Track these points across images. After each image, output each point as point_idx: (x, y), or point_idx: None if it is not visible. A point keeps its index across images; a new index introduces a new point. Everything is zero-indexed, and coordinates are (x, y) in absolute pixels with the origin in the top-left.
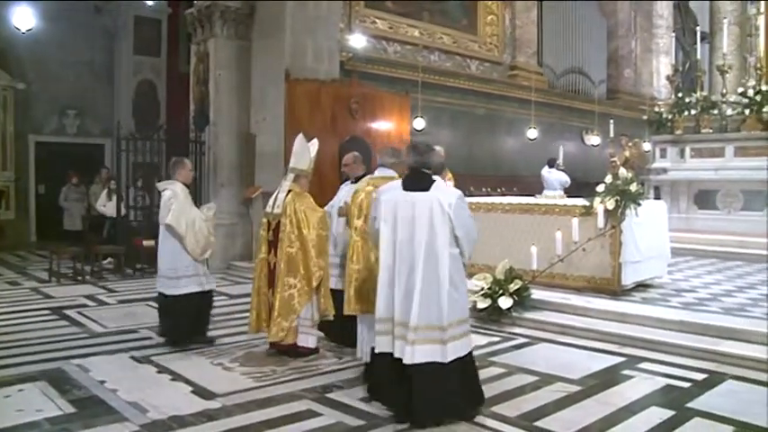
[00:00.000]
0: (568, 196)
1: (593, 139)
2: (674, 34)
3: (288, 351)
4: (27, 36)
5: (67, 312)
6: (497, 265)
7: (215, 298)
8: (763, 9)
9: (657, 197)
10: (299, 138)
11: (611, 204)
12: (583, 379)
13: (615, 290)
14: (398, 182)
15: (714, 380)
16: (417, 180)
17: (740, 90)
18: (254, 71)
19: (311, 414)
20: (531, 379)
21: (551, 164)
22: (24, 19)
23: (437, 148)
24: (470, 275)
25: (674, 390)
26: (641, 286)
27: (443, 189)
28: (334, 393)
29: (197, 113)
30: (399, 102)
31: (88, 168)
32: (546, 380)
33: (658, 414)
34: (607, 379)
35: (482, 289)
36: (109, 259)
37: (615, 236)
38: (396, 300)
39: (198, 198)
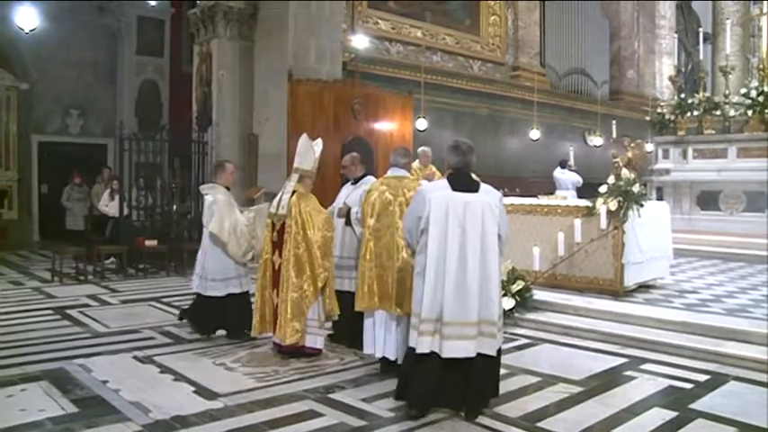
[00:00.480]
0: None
1: (596, 140)
2: (676, 35)
3: (293, 352)
4: (30, 36)
5: (70, 312)
6: None
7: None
8: (766, 10)
9: (660, 198)
10: (304, 138)
11: (613, 205)
12: (585, 380)
13: (617, 291)
14: (444, 182)
15: (717, 381)
16: (465, 181)
17: (743, 91)
18: (257, 72)
19: (314, 414)
20: (534, 380)
21: (563, 165)
22: (28, 19)
23: (425, 148)
24: None
25: (676, 391)
26: (643, 287)
27: (488, 190)
28: (337, 394)
29: (199, 114)
30: (402, 102)
31: (91, 168)
32: (548, 381)
33: (661, 415)
34: (609, 380)
35: None
36: (111, 259)
37: (618, 237)
38: (446, 300)
39: (200, 198)
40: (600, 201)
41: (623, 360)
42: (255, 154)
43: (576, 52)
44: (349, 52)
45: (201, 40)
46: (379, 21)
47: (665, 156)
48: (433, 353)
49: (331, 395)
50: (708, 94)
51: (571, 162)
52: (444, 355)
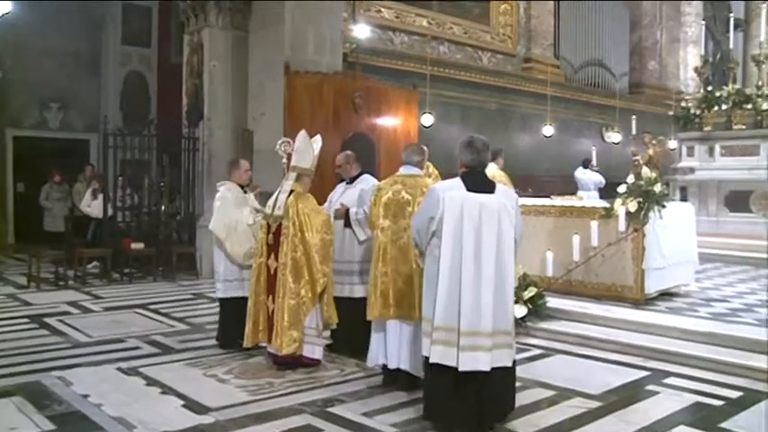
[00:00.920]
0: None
1: (614, 137)
2: (703, 22)
3: (290, 363)
4: (3, 21)
5: (48, 320)
6: None
7: (209, 304)
8: None
9: (684, 199)
10: (302, 134)
11: (633, 206)
12: (603, 394)
13: (638, 298)
14: (457, 181)
15: (749, 398)
16: (481, 181)
17: None
18: (252, 63)
19: (311, 430)
20: (548, 393)
21: (586, 164)
22: None
23: (423, 147)
24: None
25: (704, 408)
26: (666, 295)
27: (505, 191)
28: (336, 407)
29: (190, 108)
30: (406, 96)
31: (72, 165)
32: (563, 394)
33: None
34: (629, 395)
35: None
36: (94, 263)
37: (638, 240)
38: (463, 307)
39: (190, 198)
40: (618, 201)
41: (645, 373)
42: (250, 150)
43: (592, 42)
44: (350, 43)
45: (192, 29)
46: (382, 9)
47: (690, 153)
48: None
49: (330, 409)
50: (738, 86)
51: (593, 161)
52: (462, 367)
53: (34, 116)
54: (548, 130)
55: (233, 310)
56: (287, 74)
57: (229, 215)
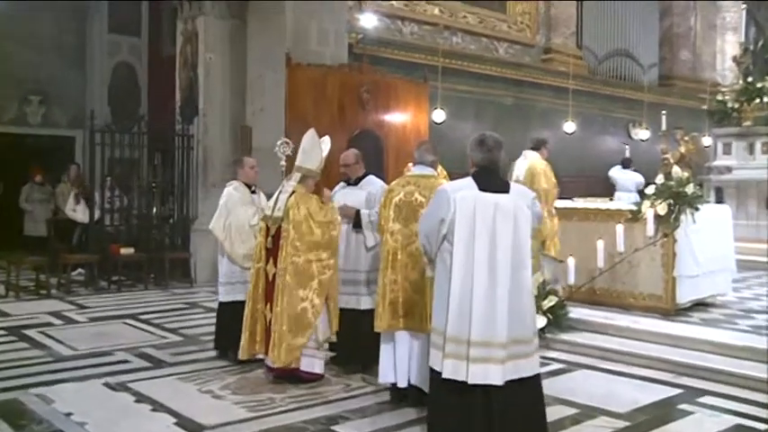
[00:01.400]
0: (610, 199)
1: (642, 133)
2: (744, 6)
3: (289, 377)
4: None
5: (28, 332)
6: None
7: (205, 314)
8: None
9: (720, 201)
10: (311, 133)
11: (662, 209)
12: (631, 413)
13: (668, 309)
14: (469, 180)
15: None
16: (494, 180)
17: None
18: (251, 55)
19: None
20: (570, 411)
21: (626, 164)
22: None
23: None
24: None
25: (746, 431)
26: (700, 305)
27: (520, 191)
28: (341, 425)
29: (184, 102)
30: (416, 90)
31: (55, 164)
32: (587, 413)
33: None
34: (660, 414)
35: None
36: (79, 270)
37: (668, 246)
38: (474, 316)
39: (184, 199)
40: (646, 203)
41: (677, 391)
42: (248, 148)
43: (618, 31)
44: (356, 33)
45: (186, 17)
46: None
47: (727, 151)
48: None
49: (334, 427)
50: None
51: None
52: (471, 380)
53: (13, 111)
54: (569, 126)
55: (233, 315)
56: (288, 66)
57: (231, 215)
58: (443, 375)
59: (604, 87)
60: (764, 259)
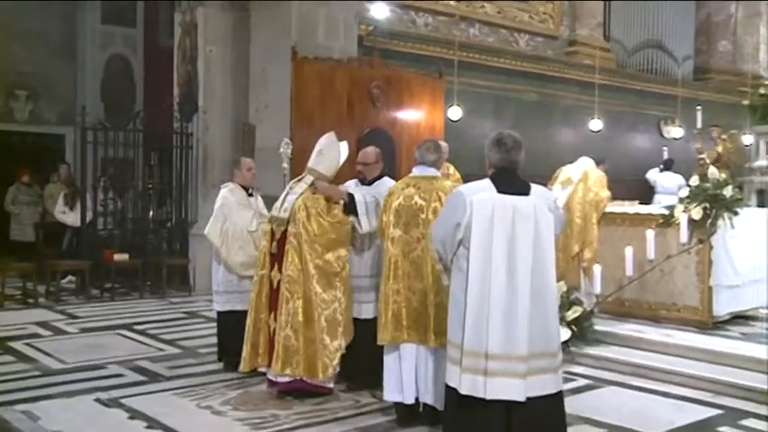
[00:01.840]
0: (640, 203)
1: (675, 131)
2: None
3: (295, 391)
4: None
5: (13, 345)
6: None
7: (205, 324)
8: None
9: (761, 204)
10: (330, 136)
11: (697, 213)
12: None
13: (705, 321)
14: (486, 182)
15: None
16: (513, 181)
17: None
18: (254, 48)
19: None
20: None
21: (668, 165)
22: None
23: (442, 143)
24: None
25: None
26: (740, 318)
27: (541, 193)
28: None
29: (182, 98)
30: (431, 85)
31: (43, 164)
32: None
33: None
34: None
35: None
36: (69, 277)
37: (704, 253)
38: (492, 327)
39: (183, 202)
40: (679, 207)
41: (715, 412)
42: (252, 148)
43: (650, 20)
44: (366, 25)
45: (184, 7)
46: None
47: None
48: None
49: None
50: None
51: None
52: (489, 395)
53: None
54: (595, 124)
55: (235, 325)
56: (294, 60)
57: (227, 220)
58: (461, 391)
59: (634, 82)
60: None
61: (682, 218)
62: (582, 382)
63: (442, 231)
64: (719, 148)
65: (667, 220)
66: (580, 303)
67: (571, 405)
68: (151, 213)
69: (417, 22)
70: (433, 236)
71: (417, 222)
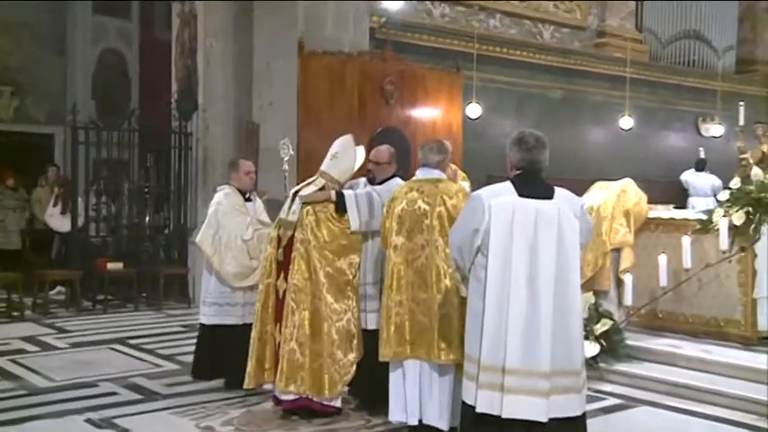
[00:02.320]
0: (676, 207)
1: (715, 129)
2: None
3: (301, 410)
4: None
5: None
6: None
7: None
8: None
9: None
10: (347, 139)
11: (738, 218)
12: None
13: (748, 336)
14: (507, 185)
15: None
16: (535, 184)
17: None
18: (258, 40)
19: None
20: None
21: (702, 166)
22: None
23: (446, 143)
24: None
25: None
26: None
27: (566, 196)
28: None
29: (181, 96)
30: (449, 81)
31: (30, 166)
32: None
33: None
34: None
35: None
36: (59, 288)
37: (746, 262)
38: (510, 341)
39: (181, 207)
40: (719, 212)
41: None
42: (255, 148)
43: (687, 9)
44: (378, 16)
45: None
46: None
47: None
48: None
49: None
50: None
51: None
52: (506, 414)
53: None
54: (626, 121)
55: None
56: (301, 54)
57: (221, 227)
58: (477, 409)
59: (669, 76)
60: None
61: (721, 223)
62: (612, 401)
63: (459, 238)
64: (764, 148)
65: (705, 226)
66: (610, 316)
67: (601, 426)
68: (147, 219)
69: (433, 12)
70: (450, 242)
71: (421, 229)
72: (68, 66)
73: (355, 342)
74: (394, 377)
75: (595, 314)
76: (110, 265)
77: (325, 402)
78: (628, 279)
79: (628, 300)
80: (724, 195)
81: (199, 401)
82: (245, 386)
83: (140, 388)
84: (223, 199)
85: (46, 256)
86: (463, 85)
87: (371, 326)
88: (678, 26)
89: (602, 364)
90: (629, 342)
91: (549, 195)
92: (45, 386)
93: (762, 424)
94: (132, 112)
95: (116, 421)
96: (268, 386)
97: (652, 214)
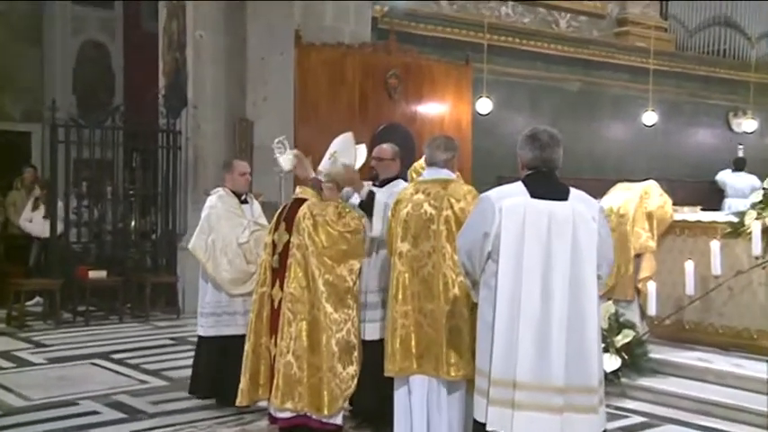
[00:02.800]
0: (703, 209)
1: (747, 124)
2: None
3: (297, 428)
4: None
5: None
6: None
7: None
8: None
9: None
10: (347, 137)
11: None
12: None
13: None
14: (518, 186)
15: None
16: (549, 184)
17: None
18: (251, 32)
19: None
20: None
21: (741, 165)
22: None
23: (454, 140)
24: None
25: None
26: None
27: (582, 197)
28: None
29: (169, 91)
30: (457, 74)
31: (5, 167)
32: None
33: None
34: None
35: None
36: (37, 299)
37: None
38: (522, 353)
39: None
40: (751, 214)
41: None
42: (249, 147)
43: None
44: (381, 5)
45: None
46: None
47: None
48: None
49: None
50: None
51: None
52: (516, 431)
53: None
54: (649, 117)
55: (220, 353)
56: (298, 46)
57: (214, 231)
58: (487, 427)
59: (697, 66)
60: None
61: (754, 226)
62: (635, 419)
63: (468, 242)
64: None
65: (736, 230)
66: (632, 326)
67: None
68: (133, 224)
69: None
70: (458, 247)
71: (428, 235)
72: (46, 59)
73: (356, 354)
74: (399, 394)
75: (616, 325)
76: (92, 274)
77: (325, 420)
78: (651, 287)
79: (651, 309)
80: (757, 196)
81: (188, 420)
82: (237, 403)
83: (124, 406)
84: (217, 202)
85: (22, 264)
86: (473, 79)
87: (370, 336)
88: (707, 12)
89: (623, 379)
90: (652, 355)
91: (563, 196)
92: (20, 405)
93: None
94: (116, 108)
95: None
96: (263, 403)
97: (677, 216)
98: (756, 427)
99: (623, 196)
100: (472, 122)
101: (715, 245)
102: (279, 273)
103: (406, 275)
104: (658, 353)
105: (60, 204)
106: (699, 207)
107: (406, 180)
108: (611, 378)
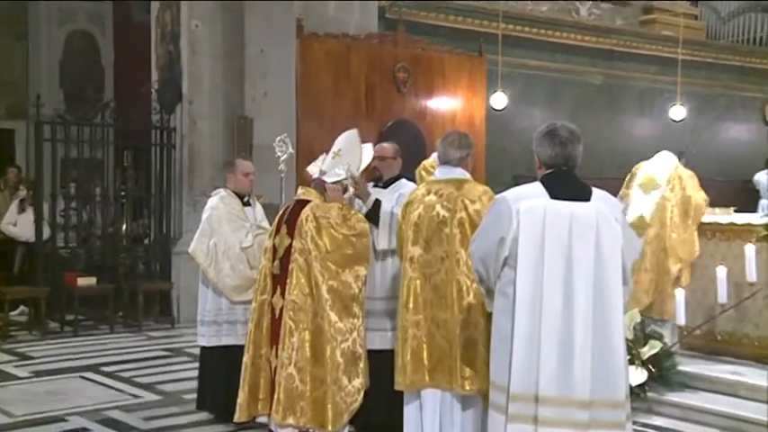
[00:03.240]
0: (737, 210)
1: None
2: None
3: None
4: None
5: None
6: None
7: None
8: None
9: None
10: (351, 134)
11: None
12: None
13: None
14: (537, 186)
15: None
16: (570, 184)
17: None
18: (250, 23)
19: None
20: None
21: None
22: None
23: (466, 136)
24: None
25: None
26: None
27: (604, 197)
28: None
29: (162, 85)
30: (470, 67)
31: None
32: None
33: None
34: None
35: None
36: (21, 308)
37: None
38: (543, 366)
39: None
40: None
41: None
42: (248, 145)
43: None
44: None
45: None
46: None
47: None
48: None
49: None
50: None
51: None
52: None
53: None
54: (677, 111)
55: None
56: (300, 37)
57: (216, 234)
58: None
59: (730, 56)
60: None
61: None
62: None
63: (483, 248)
64: None
65: None
66: (659, 337)
67: None
68: (124, 227)
69: None
70: (471, 253)
71: (440, 238)
72: (31, 51)
73: (362, 366)
74: (410, 409)
75: (642, 335)
76: (80, 281)
77: None
78: (680, 295)
79: (680, 319)
80: None
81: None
82: (235, 419)
83: (116, 422)
84: (219, 203)
85: (6, 270)
86: (487, 72)
87: (378, 346)
88: None
89: (650, 394)
90: (681, 368)
91: (585, 197)
92: (4, 422)
93: None
94: (106, 104)
95: None
96: (263, 418)
97: (708, 218)
98: None
99: (652, 199)
100: (486, 118)
101: (750, 249)
102: (280, 279)
103: (418, 282)
104: (688, 365)
105: (46, 207)
106: (732, 208)
107: (410, 180)
108: (636, 392)
